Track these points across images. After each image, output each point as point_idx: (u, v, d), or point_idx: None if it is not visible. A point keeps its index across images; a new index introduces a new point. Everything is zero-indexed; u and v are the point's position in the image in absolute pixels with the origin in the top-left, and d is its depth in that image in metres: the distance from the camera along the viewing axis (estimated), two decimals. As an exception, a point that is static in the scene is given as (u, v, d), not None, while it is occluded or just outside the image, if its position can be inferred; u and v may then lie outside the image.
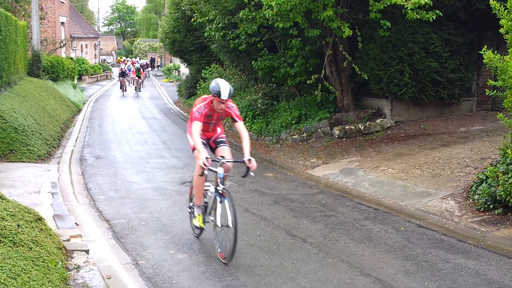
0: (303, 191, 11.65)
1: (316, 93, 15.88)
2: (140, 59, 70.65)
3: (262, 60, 17.39)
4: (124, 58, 74.62)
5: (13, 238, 6.35)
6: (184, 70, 43.00)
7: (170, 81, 52.02)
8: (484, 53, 9.16)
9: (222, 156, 7.75)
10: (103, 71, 54.70)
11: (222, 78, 21.51)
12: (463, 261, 7.41)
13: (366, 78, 15.58)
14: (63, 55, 36.13)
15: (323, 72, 15.83)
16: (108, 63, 64.17)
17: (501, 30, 9.14)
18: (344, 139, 15.63)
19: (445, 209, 9.61)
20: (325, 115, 16.76)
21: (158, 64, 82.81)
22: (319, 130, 16.52)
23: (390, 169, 12.21)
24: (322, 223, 9.25)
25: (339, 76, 16.74)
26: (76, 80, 36.94)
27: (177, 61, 51.06)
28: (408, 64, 15.26)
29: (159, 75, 62.87)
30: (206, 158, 7.17)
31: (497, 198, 8.85)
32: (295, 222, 9.36)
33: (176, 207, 10.38)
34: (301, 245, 8.18)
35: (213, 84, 7.41)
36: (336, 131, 15.90)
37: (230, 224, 7.11)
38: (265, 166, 14.30)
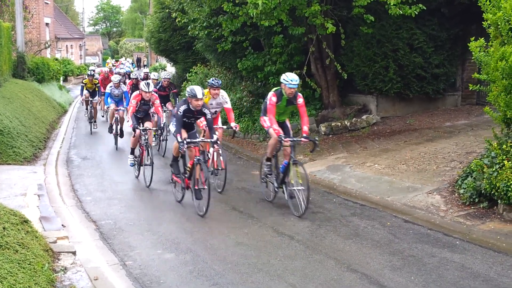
0: (290, 189, 11.66)
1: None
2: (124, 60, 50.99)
3: (246, 60, 17.42)
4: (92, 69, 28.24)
5: (-1, 241, 6.34)
6: (171, 69, 42.82)
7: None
8: (475, 41, 9.21)
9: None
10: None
11: (207, 77, 21.59)
12: (449, 255, 7.46)
13: (346, 78, 15.61)
14: (48, 56, 35.92)
15: (305, 68, 15.84)
16: (94, 63, 63.38)
17: (485, 24, 9.20)
18: (330, 135, 15.67)
19: (431, 203, 9.67)
20: (311, 112, 16.77)
21: (145, 63, 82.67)
22: (305, 127, 16.52)
23: (377, 165, 12.26)
24: (309, 220, 9.28)
25: (324, 73, 16.78)
26: (61, 81, 36.72)
27: (163, 60, 50.91)
28: (393, 60, 15.32)
29: (145, 75, 62.65)
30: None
31: (482, 192, 8.91)
32: (282, 219, 9.38)
33: (164, 207, 10.38)
34: (288, 242, 8.21)
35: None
36: (322, 128, 15.94)
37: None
38: (252, 164, 14.31)
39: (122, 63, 48.51)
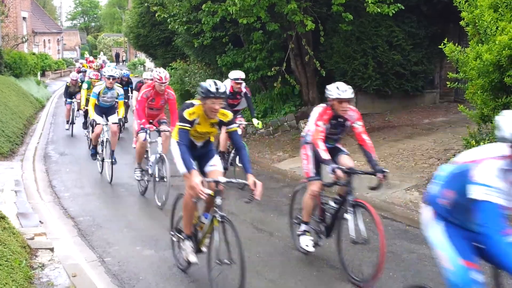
0: (270, 185, 11.66)
1: (275, 85, 15.92)
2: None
3: (226, 56, 17.40)
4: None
5: (-25, 237, 6.26)
6: (150, 64, 42.61)
7: (135, 76, 51.53)
8: (445, 46, 9.30)
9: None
10: (67, 66, 53.85)
11: (187, 73, 21.49)
12: (427, 251, 7.49)
13: (324, 75, 15.62)
14: (26, 51, 35.50)
15: (284, 65, 15.85)
16: (73, 58, 62.57)
17: (462, 23, 9.28)
18: (310, 132, 15.69)
19: (410, 200, 9.74)
20: (290, 108, 16.81)
21: (124, 59, 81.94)
22: (285, 123, 16.57)
23: (356, 161, 12.25)
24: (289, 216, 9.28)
25: (304, 70, 16.80)
26: (39, 76, 36.36)
27: (142, 55, 50.64)
28: (372, 57, 15.39)
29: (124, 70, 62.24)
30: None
31: (460, 188, 8.98)
32: (262, 215, 9.39)
33: (142, 203, 10.32)
34: (268, 239, 8.22)
35: None
36: (302, 125, 15.96)
37: None
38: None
39: (100, 59, 36.25)
